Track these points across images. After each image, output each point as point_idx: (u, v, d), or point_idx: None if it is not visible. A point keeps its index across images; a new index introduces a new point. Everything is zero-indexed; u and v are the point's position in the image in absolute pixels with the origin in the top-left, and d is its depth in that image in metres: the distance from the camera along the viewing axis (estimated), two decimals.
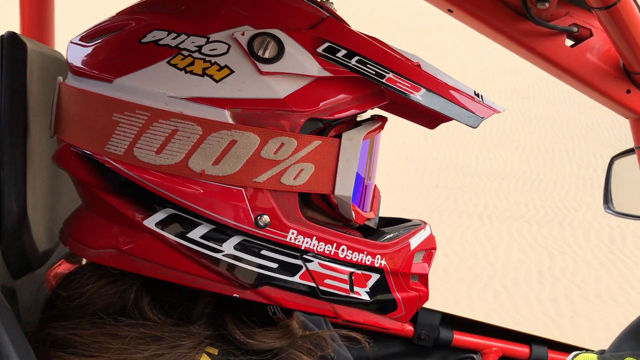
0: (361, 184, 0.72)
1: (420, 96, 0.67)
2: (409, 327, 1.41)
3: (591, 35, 1.18)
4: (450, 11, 1.17)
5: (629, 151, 1.37)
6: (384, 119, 0.76)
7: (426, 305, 1.43)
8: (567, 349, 1.40)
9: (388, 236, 0.73)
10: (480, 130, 7.80)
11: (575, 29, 1.17)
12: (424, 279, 0.76)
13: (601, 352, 1.04)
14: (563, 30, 1.16)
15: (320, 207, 0.68)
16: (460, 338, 1.41)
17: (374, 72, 0.65)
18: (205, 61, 0.62)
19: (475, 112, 0.69)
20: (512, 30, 1.15)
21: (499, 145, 7.44)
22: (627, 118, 1.27)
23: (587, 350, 1.09)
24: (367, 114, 0.75)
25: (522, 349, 1.41)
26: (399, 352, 1.43)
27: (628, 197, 1.44)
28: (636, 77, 1.18)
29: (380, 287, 0.70)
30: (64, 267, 0.78)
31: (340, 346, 1.00)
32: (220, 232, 0.63)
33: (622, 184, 1.47)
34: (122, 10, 0.71)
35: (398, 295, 0.72)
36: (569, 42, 1.19)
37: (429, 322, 1.39)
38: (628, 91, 1.20)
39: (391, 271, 0.71)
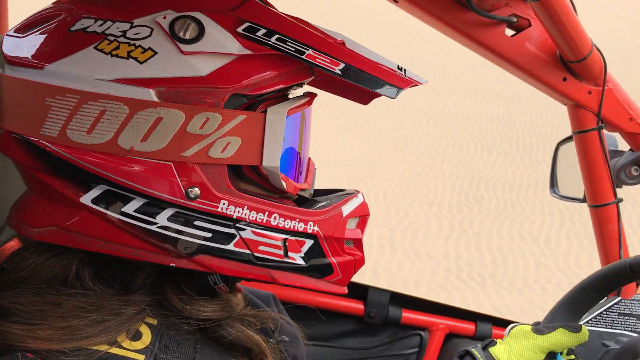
0: (294, 157, 0.76)
1: (339, 70, 0.71)
2: (358, 307, 1.46)
3: (530, 25, 1.23)
4: (395, 1, 1.21)
5: (571, 137, 1.43)
6: (312, 95, 0.79)
7: (374, 284, 1.49)
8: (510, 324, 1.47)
9: (320, 204, 0.77)
10: (349, 122, 7.67)
11: (514, 19, 1.22)
12: (358, 243, 0.80)
13: (536, 324, 1.11)
14: (503, 20, 1.21)
15: (253, 180, 0.72)
16: (409, 316, 1.46)
17: (293, 49, 0.70)
18: (129, 45, 0.66)
19: (393, 84, 0.74)
20: (454, 20, 1.20)
21: (359, 136, 7.37)
22: (564, 105, 1.33)
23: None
24: (301, 91, 0.79)
25: (468, 326, 1.47)
26: (351, 330, 1.48)
27: (570, 181, 1.50)
28: (572, 66, 1.24)
29: (315, 252, 0.74)
30: (14, 245, 0.81)
31: (289, 322, 1.03)
32: (154, 206, 0.67)
33: (565, 168, 1.54)
34: (54, 2, 0.74)
35: (333, 260, 0.76)
36: (509, 32, 1.24)
37: (378, 300, 1.45)
38: (565, 79, 1.26)
39: (325, 237, 0.75)
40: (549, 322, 1.09)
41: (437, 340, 1.44)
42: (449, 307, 1.49)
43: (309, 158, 0.83)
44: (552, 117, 8.53)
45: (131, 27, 0.67)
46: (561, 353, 1.09)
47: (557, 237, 4.88)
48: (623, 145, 1.36)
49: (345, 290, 0.79)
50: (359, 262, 0.79)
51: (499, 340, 1.09)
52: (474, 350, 1.06)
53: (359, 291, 1.46)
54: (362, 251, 0.80)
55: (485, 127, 8.02)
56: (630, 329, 1.35)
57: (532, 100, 9.19)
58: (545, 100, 8.99)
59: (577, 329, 1.07)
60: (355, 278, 0.90)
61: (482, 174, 6.29)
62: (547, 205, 5.54)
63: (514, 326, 1.10)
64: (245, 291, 0.93)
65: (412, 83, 0.76)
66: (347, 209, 0.77)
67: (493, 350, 1.06)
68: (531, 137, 7.64)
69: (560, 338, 1.06)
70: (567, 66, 1.25)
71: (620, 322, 1.36)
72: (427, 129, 7.86)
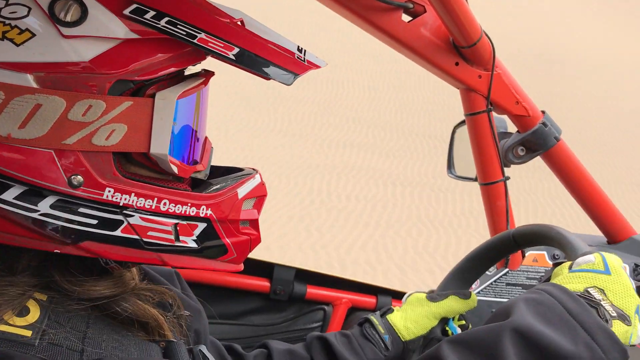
0: (188, 140, 0.75)
1: (233, 55, 0.70)
2: (264, 285, 1.49)
3: (425, 11, 1.29)
4: None
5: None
6: (209, 74, 0.78)
7: (280, 262, 1.52)
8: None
9: (215, 187, 0.76)
10: None
11: (410, 5, 1.27)
12: (254, 223, 0.80)
13: (431, 292, 1.18)
14: (399, 5, 1.26)
15: (144, 164, 0.70)
16: (314, 291, 1.51)
17: (184, 33, 0.67)
18: (5, 24, 0.63)
19: (289, 69, 0.73)
20: (353, 5, 1.23)
21: None
22: (458, 89, 1.40)
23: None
24: (198, 67, 0.77)
25: (370, 300, 1.53)
26: (258, 308, 1.51)
27: (465, 162, 1.59)
28: (463, 51, 1.31)
29: (208, 235, 0.74)
30: None
31: (191, 298, 1.04)
32: (35, 193, 0.65)
33: (460, 150, 1.62)
34: None
35: (228, 241, 0.76)
36: (406, 18, 1.30)
37: (283, 277, 1.48)
38: (457, 64, 1.33)
39: (218, 219, 0.74)
40: (441, 290, 1.17)
41: (340, 314, 1.49)
42: (352, 282, 1.55)
43: (206, 137, 0.83)
44: (381, 103, 8.42)
45: (6, 5, 0.64)
46: (453, 318, 1.18)
47: (279, 219, 4.83)
48: (512, 128, 1.46)
49: (241, 267, 0.79)
50: (255, 241, 0.80)
51: (396, 308, 1.16)
52: (372, 318, 1.12)
53: (265, 269, 1.49)
54: (258, 230, 0.80)
55: (301, 111, 7.84)
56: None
57: (366, 86, 9.12)
58: (380, 86, 8.93)
59: (467, 296, 1.16)
60: None
61: (263, 156, 6.16)
62: (300, 186, 5.52)
63: (411, 294, 1.18)
64: (146, 267, 0.92)
65: (310, 68, 0.75)
66: (243, 190, 0.77)
67: (390, 317, 1.13)
68: (342, 121, 7.59)
69: (451, 305, 1.14)
70: (459, 51, 1.32)
71: (507, 292, 1.47)
72: (241, 110, 7.61)
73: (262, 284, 1.49)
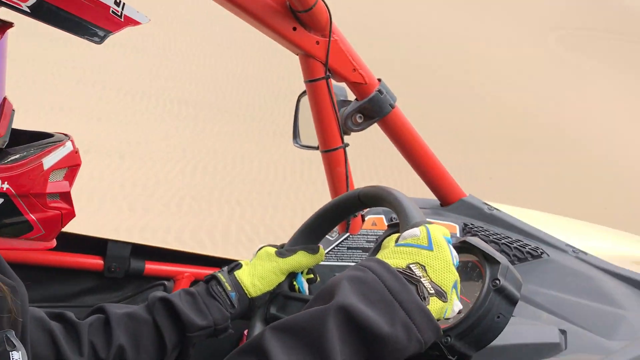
0: None
1: (27, 7, 0.62)
2: (97, 262, 1.39)
3: None
4: None
5: None
6: (6, 26, 0.68)
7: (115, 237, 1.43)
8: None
9: (14, 157, 0.68)
10: None
11: None
12: (66, 196, 0.74)
13: (281, 246, 1.18)
14: None
15: None
16: (152, 267, 1.44)
17: None
18: None
19: (101, 26, 0.66)
20: None
21: None
22: (297, 55, 1.39)
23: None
24: None
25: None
26: (91, 288, 1.42)
27: (309, 131, 1.60)
28: (300, 16, 1.30)
29: (6, 211, 0.67)
30: None
31: (7, 275, 0.94)
32: None
33: (304, 119, 1.63)
34: None
35: (32, 217, 0.70)
36: None
37: (118, 254, 1.40)
38: (294, 29, 1.32)
39: (18, 194, 0.67)
40: (290, 246, 1.17)
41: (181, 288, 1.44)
42: (195, 255, 1.50)
43: (5, 98, 0.73)
44: (147, 68, 7.88)
45: None
46: (301, 272, 1.19)
47: None
48: (352, 97, 1.48)
49: (53, 244, 0.74)
50: (68, 215, 0.74)
51: (245, 262, 1.15)
52: (219, 274, 1.11)
53: (97, 246, 1.40)
54: (70, 204, 0.74)
55: (41, 72, 7.01)
56: (357, 260, 1.50)
57: (134, 49, 8.29)
58: (152, 51, 8.44)
59: (315, 251, 1.17)
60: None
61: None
62: None
63: (262, 247, 1.17)
64: None
65: (126, 25, 0.69)
66: (49, 160, 0.70)
67: (238, 273, 1.12)
68: (84, 87, 6.95)
69: (300, 260, 1.15)
70: (297, 16, 1.30)
71: (349, 255, 1.50)
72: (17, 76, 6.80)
73: (95, 261, 1.40)
